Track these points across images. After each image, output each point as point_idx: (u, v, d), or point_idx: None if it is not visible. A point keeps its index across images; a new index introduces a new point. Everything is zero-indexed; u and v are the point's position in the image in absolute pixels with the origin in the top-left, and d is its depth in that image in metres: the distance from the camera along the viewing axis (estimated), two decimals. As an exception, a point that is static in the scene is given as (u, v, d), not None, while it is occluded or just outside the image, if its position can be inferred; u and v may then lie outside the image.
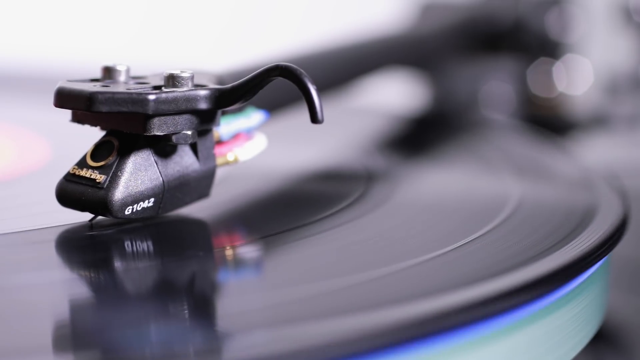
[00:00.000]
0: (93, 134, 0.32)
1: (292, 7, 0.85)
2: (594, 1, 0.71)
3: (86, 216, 0.32)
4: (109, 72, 0.32)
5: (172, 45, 0.81)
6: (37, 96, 0.52)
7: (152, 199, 0.31)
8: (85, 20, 0.80)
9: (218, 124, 0.32)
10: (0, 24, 0.78)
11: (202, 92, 0.31)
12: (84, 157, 0.31)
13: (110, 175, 0.30)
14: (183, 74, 0.31)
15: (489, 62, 0.63)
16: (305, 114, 0.30)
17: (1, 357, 0.24)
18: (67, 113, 0.32)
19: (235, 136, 0.34)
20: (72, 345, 0.25)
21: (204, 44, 0.81)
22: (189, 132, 0.31)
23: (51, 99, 0.31)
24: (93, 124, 0.32)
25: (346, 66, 0.46)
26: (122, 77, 0.32)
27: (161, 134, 0.31)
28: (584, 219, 0.34)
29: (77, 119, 0.32)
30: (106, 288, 0.29)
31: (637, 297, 0.43)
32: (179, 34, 0.82)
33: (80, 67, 0.46)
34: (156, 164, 0.31)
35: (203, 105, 0.31)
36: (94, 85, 0.31)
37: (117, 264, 0.30)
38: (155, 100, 0.30)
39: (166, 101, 0.30)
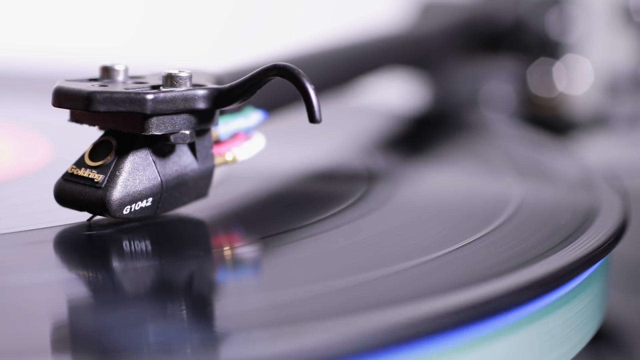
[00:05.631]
0: (92, 134, 0.32)
1: (291, 7, 0.85)
2: (594, 1, 0.71)
3: (84, 216, 0.31)
4: (107, 72, 0.32)
5: (171, 45, 0.81)
6: (37, 96, 0.52)
7: (150, 199, 0.31)
8: (85, 20, 0.80)
9: (216, 124, 0.32)
10: (0, 24, 0.78)
11: (201, 92, 0.31)
12: (82, 157, 0.31)
13: (108, 174, 0.30)
14: (181, 74, 0.31)
15: (489, 62, 0.63)
16: (304, 114, 0.30)
17: (-1, 357, 0.24)
18: (66, 113, 0.32)
19: (234, 136, 0.34)
20: (70, 345, 0.25)
21: (203, 44, 0.81)
22: (187, 132, 0.31)
23: (50, 98, 0.31)
24: (91, 124, 0.32)
25: (346, 66, 0.46)
26: (120, 77, 0.32)
27: (159, 133, 0.30)
28: (585, 220, 0.34)
29: (75, 118, 0.32)
30: (104, 288, 0.29)
31: (637, 297, 0.43)
32: (178, 33, 0.82)
33: (79, 67, 0.46)
34: (154, 163, 0.31)
35: (201, 105, 0.31)
36: (92, 85, 0.31)
37: (116, 264, 0.30)
38: (153, 100, 0.30)
39: (164, 101, 0.30)
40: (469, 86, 0.63)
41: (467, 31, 0.61)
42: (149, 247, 0.31)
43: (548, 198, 0.39)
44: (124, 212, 0.31)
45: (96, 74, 0.32)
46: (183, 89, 0.31)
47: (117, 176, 0.30)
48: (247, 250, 0.32)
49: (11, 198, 0.38)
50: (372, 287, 0.29)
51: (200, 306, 0.28)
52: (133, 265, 0.30)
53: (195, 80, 0.31)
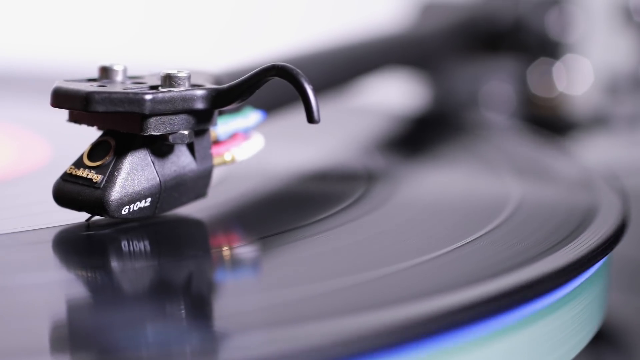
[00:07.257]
0: (90, 134, 0.32)
1: (291, 7, 0.85)
2: (594, 1, 0.70)
3: (83, 216, 0.31)
4: (106, 72, 0.32)
5: (170, 45, 0.81)
6: (36, 96, 0.52)
7: (148, 199, 0.31)
8: (84, 20, 0.80)
9: (215, 124, 0.32)
10: (0, 24, 0.78)
11: (199, 92, 0.31)
12: (81, 157, 0.31)
13: (107, 175, 0.30)
14: (180, 74, 0.31)
15: (489, 62, 0.63)
16: (303, 114, 0.30)
17: (-2, 357, 0.24)
18: (64, 113, 0.32)
19: (233, 136, 0.34)
20: (69, 346, 0.25)
21: (202, 44, 0.81)
22: (186, 132, 0.31)
23: (49, 98, 0.31)
24: (90, 124, 0.32)
25: (346, 66, 0.46)
26: (119, 77, 0.32)
27: (158, 133, 0.30)
28: (584, 220, 0.34)
29: (74, 118, 0.32)
30: (103, 288, 0.29)
31: (637, 297, 0.43)
32: (176, 34, 0.82)
33: (78, 67, 0.46)
34: (153, 163, 0.31)
35: (200, 105, 0.31)
36: (91, 85, 0.31)
37: (114, 264, 0.30)
38: (151, 100, 0.30)
39: (163, 101, 0.30)
40: (469, 86, 0.63)
41: (467, 31, 0.61)
42: (148, 248, 0.31)
43: (547, 198, 0.39)
44: (123, 213, 0.30)
45: (95, 74, 0.32)
46: (181, 89, 0.31)
47: (116, 176, 0.30)
48: (246, 251, 0.32)
49: (10, 198, 0.38)
50: (371, 287, 0.29)
51: (199, 306, 0.27)
52: (132, 266, 0.30)
53: (193, 81, 0.31)
